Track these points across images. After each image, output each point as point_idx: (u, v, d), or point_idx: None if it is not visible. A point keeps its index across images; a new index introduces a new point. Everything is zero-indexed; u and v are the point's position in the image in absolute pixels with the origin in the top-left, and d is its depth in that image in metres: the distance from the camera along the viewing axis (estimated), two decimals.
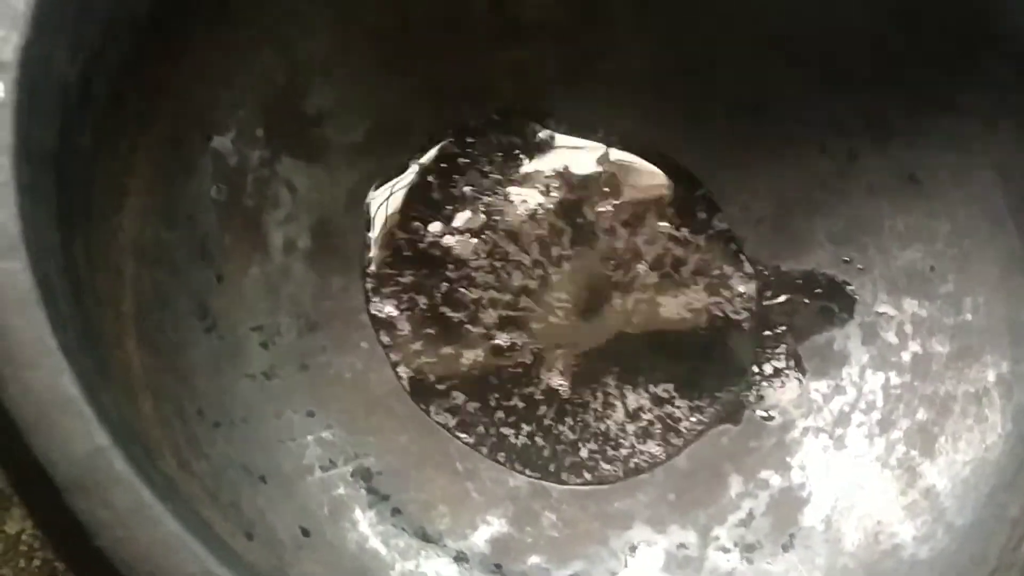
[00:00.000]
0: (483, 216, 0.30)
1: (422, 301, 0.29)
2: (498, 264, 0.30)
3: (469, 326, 0.29)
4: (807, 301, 0.30)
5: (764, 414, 0.29)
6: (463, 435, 0.28)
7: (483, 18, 0.29)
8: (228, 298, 0.27)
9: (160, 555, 0.16)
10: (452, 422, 0.28)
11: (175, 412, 0.23)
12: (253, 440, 0.25)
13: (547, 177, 0.31)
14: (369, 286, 0.29)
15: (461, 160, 0.31)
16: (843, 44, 0.29)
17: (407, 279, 0.29)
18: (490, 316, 0.29)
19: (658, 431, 0.29)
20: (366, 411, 0.27)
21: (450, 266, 0.30)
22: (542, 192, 0.31)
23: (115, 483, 0.16)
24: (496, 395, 0.29)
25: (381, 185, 0.30)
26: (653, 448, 0.29)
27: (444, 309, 0.29)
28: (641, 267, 0.31)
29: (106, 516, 0.16)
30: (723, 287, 0.30)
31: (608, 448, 0.29)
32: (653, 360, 0.30)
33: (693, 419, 0.29)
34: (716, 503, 0.28)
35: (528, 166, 0.31)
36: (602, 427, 0.29)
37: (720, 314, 0.30)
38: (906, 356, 0.29)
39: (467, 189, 0.31)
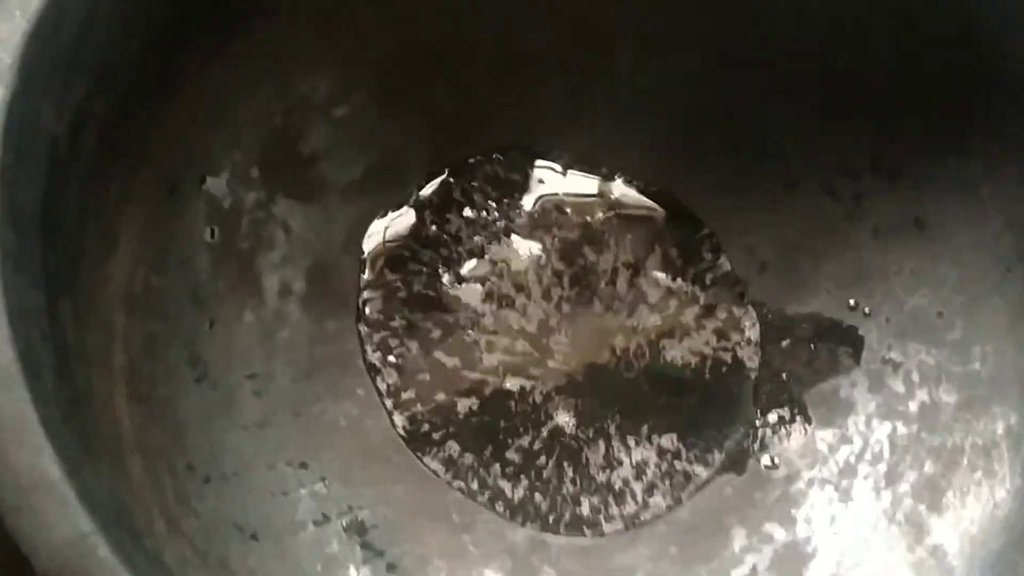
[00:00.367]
0: (481, 257, 0.30)
1: (416, 346, 0.29)
2: (496, 307, 0.30)
3: (465, 372, 0.29)
4: (812, 346, 0.30)
5: (769, 464, 0.29)
6: (459, 485, 0.28)
7: (483, 56, 0.29)
8: (221, 345, 0.26)
9: None
10: (448, 472, 0.28)
11: (165, 469, 0.23)
12: (244, 495, 0.24)
13: (546, 215, 0.31)
14: (364, 330, 0.29)
15: (459, 198, 0.30)
16: (849, 84, 0.28)
17: (402, 323, 0.29)
18: (487, 361, 0.29)
19: (660, 481, 0.28)
20: (361, 461, 0.27)
21: (446, 310, 0.29)
22: (541, 231, 0.30)
23: (98, 570, 0.15)
24: (493, 444, 0.28)
25: (378, 225, 0.30)
26: (655, 499, 0.28)
27: (439, 354, 0.29)
28: (643, 309, 0.30)
29: None
30: (726, 331, 0.30)
31: (609, 499, 0.28)
32: (655, 407, 0.29)
33: (696, 469, 0.28)
34: (719, 557, 0.27)
35: (527, 204, 0.31)
36: (602, 477, 0.28)
37: (724, 359, 0.30)
38: (913, 405, 0.28)
39: (464, 228, 0.30)
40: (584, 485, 0.28)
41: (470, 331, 0.29)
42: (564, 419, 0.29)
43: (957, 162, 0.28)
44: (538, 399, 0.29)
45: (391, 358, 0.29)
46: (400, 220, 0.30)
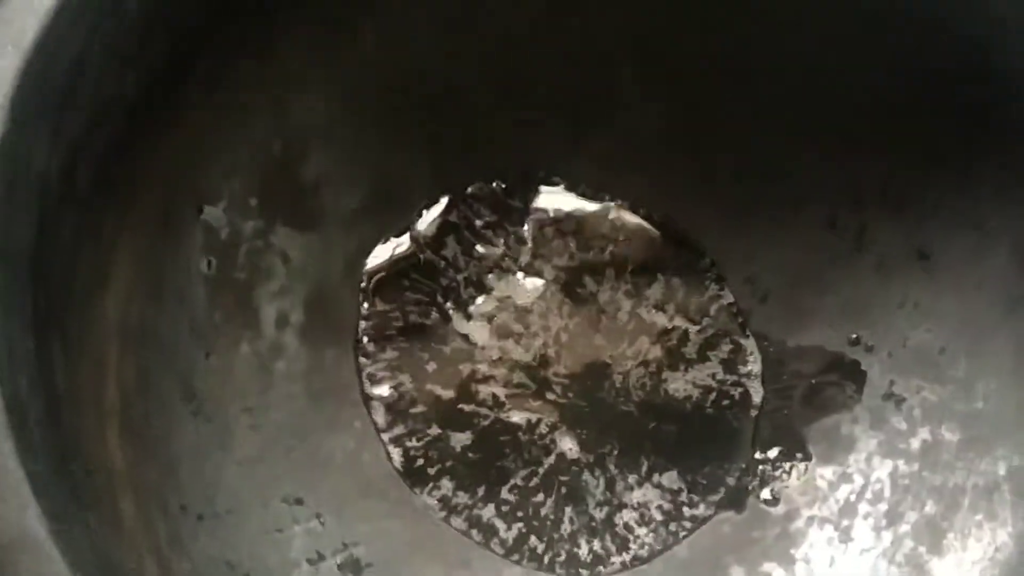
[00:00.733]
0: (480, 287, 0.30)
1: (413, 378, 0.28)
2: (494, 339, 0.29)
3: (462, 404, 0.28)
4: (814, 381, 0.29)
5: (768, 501, 0.28)
6: (455, 522, 0.27)
7: (485, 85, 0.28)
8: (216, 378, 0.26)
9: None
10: (444, 508, 0.27)
11: (158, 508, 0.22)
12: (238, 533, 0.24)
13: (547, 244, 0.30)
14: (361, 361, 0.28)
15: (459, 227, 0.30)
16: (856, 116, 0.28)
17: (399, 354, 0.28)
18: (483, 394, 0.29)
19: (658, 518, 0.28)
20: (357, 495, 0.26)
21: (443, 341, 0.29)
22: (541, 260, 0.30)
23: None
24: (489, 479, 0.28)
25: (377, 254, 0.29)
26: (652, 537, 0.28)
27: (436, 387, 0.28)
28: (643, 341, 0.30)
29: None
30: (727, 363, 0.29)
31: (606, 537, 0.28)
32: (654, 441, 0.29)
33: (695, 506, 0.28)
34: None
35: (528, 232, 0.30)
36: (600, 514, 0.28)
37: (724, 392, 0.29)
38: (915, 443, 0.28)
39: (464, 257, 0.30)
40: (581, 522, 0.28)
41: (467, 363, 0.29)
42: (562, 453, 0.28)
43: (963, 195, 0.27)
44: (536, 433, 0.28)
45: (388, 390, 0.28)
46: (399, 249, 0.30)
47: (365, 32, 0.27)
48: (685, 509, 0.28)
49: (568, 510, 0.28)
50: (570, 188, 0.30)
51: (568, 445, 0.29)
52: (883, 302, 0.29)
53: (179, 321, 0.25)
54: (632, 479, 0.29)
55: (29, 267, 0.19)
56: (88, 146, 0.21)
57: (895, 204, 0.29)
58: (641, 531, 0.28)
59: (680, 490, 0.28)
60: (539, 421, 0.29)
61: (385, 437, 0.28)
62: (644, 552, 0.28)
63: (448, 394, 0.28)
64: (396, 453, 0.28)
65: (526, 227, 0.30)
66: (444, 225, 0.30)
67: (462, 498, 0.28)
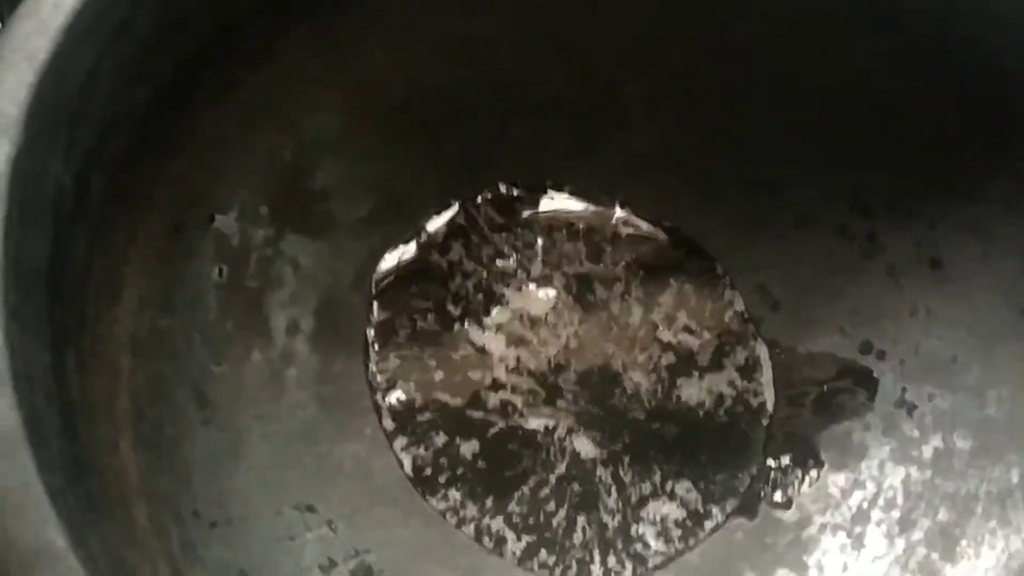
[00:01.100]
0: (489, 294, 0.30)
1: (423, 385, 0.28)
2: (504, 345, 0.29)
3: (472, 411, 0.28)
4: (826, 388, 0.29)
5: (780, 508, 0.28)
6: (466, 529, 0.27)
7: (493, 96, 0.28)
8: (228, 386, 0.26)
9: None
10: (455, 515, 0.27)
11: (171, 516, 0.22)
12: (251, 540, 0.24)
13: (556, 252, 0.30)
14: (371, 368, 0.29)
15: (467, 234, 0.30)
16: (865, 123, 0.28)
17: (409, 361, 0.28)
18: (493, 401, 0.29)
19: (670, 526, 0.28)
20: (368, 502, 0.27)
21: (453, 348, 0.29)
22: (550, 268, 0.30)
23: None
24: (501, 486, 0.28)
25: (386, 261, 0.29)
26: (664, 544, 0.28)
27: (445, 394, 0.28)
28: (655, 348, 0.30)
29: None
30: (738, 370, 0.29)
31: (619, 544, 0.28)
32: (665, 448, 0.29)
33: (707, 513, 0.28)
34: None
35: (536, 240, 0.30)
36: (612, 521, 0.28)
37: (736, 399, 0.29)
38: (927, 451, 0.28)
39: (473, 264, 0.30)
40: (593, 530, 0.28)
41: (478, 370, 0.29)
42: (574, 461, 0.28)
43: (974, 201, 0.27)
44: (548, 441, 0.29)
45: (398, 398, 0.29)
46: (408, 256, 0.30)
47: (373, 45, 0.27)
48: (697, 516, 0.28)
49: (580, 518, 0.28)
50: (578, 198, 0.30)
51: (580, 453, 0.29)
52: (894, 309, 0.29)
53: (191, 330, 0.25)
54: (644, 486, 0.29)
55: (45, 281, 0.19)
56: (100, 159, 0.21)
57: (905, 212, 0.29)
58: (653, 539, 0.28)
59: (692, 497, 0.28)
60: (550, 429, 0.29)
61: (395, 444, 0.28)
62: (657, 560, 0.28)
63: (458, 401, 0.28)
64: (407, 460, 0.28)
65: (533, 235, 0.30)
66: (452, 232, 0.30)
67: (473, 505, 0.28)
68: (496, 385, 0.29)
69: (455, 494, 0.28)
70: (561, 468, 0.28)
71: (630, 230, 0.30)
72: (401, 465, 0.28)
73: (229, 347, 0.26)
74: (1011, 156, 0.26)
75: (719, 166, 0.29)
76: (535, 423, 0.29)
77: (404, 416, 0.28)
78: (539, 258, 0.30)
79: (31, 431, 0.16)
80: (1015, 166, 0.27)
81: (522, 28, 0.28)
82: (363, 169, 0.28)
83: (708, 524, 0.28)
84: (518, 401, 0.29)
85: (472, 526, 0.28)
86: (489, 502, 0.28)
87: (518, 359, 0.29)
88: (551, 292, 0.30)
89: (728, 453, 0.29)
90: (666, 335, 0.30)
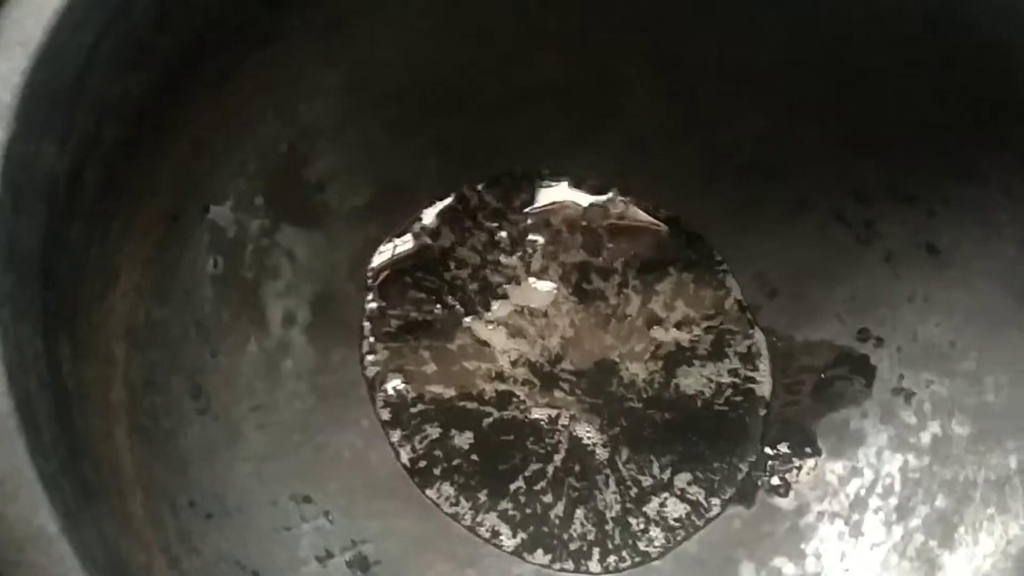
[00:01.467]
0: (486, 284, 0.29)
1: (420, 375, 0.28)
2: (501, 335, 0.29)
3: (469, 403, 0.28)
4: (823, 375, 0.29)
5: (778, 496, 0.28)
6: (464, 519, 0.27)
7: (491, 85, 0.28)
8: (224, 376, 0.26)
9: None
10: (452, 505, 0.27)
11: (167, 506, 0.22)
12: (247, 531, 0.24)
13: (554, 241, 0.30)
14: (368, 359, 0.29)
15: (464, 223, 0.30)
16: (861, 109, 0.28)
17: (406, 351, 0.28)
18: (490, 392, 0.28)
19: (668, 515, 0.28)
20: (365, 493, 0.26)
21: (450, 338, 0.29)
22: (548, 258, 0.30)
23: None
24: (498, 477, 0.28)
25: (383, 252, 0.29)
26: (663, 534, 0.28)
27: (441, 385, 0.28)
28: (653, 337, 0.30)
29: None
30: (736, 359, 0.29)
31: (616, 533, 0.28)
32: (663, 438, 0.29)
33: (705, 502, 0.28)
34: None
35: (533, 229, 0.30)
36: (610, 512, 0.28)
37: (734, 387, 0.29)
38: (925, 438, 0.28)
39: (469, 254, 0.30)
40: (592, 520, 0.28)
41: (474, 361, 0.29)
42: (572, 451, 0.28)
43: (972, 187, 0.27)
44: (545, 431, 0.28)
45: (394, 388, 0.28)
46: (404, 247, 0.30)
47: (369, 33, 0.27)
48: (695, 506, 0.28)
49: (578, 507, 0.28)
50: (575, 184, 0.31)
51: (579, 444, 0.28)
52: (892, 296, 0.29)
53: (186, 320, 0.25)
54: (642, 476, 0.28)
55: (38, 269, 0.19)
56: (96, 147, 0.21)
57: (903, 198, 0.28)
58: (651, 528, 0.28)
59: (690, 486, 0.28)
60: (548, 419, 0.29)
61: (392, 435, 0.28)
62: (655, 549, 0.28)
63: (455, 392, 0.28)
64: (403, 451, 0.28)
65: (530, 224, 0.30)
66: (449, 222, 0.30)
67: (470, 495, 0.28)
68: (493, 376, 0.29)
69: (452, 485, 0.28)
70: (559, 458, 0.28)
71: (628, 221, 0.31)
72: (398, 456, 0.28)
73: (225, 338, 0.26)
74: (1009, 140, 0.26)
75: (716, 153, 0.29)
76: (533, 414, 0.29)
77: (400, 407, 0.28)
78: (537, 249, 0.30)
79: (23, 417, 0.16)
80: (1013, 150, 0.26)
81: (519, 11, 0.28)
82: (360, 158, 0.28)
83: (706, 513, 0.28)
84: (515, 392, 0.29)
85: (469, 517, 0.27)
86: (486, 493, 0.28)
87: (516, 350, 0.29)
88: (549, 284, 0.30)
89: (726, 442, 0.29)
90: (664, 324, 0.30)
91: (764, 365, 0.30)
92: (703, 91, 0.29)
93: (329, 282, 0.28)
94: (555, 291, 0.30)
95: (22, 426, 0.16)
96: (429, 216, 0.30)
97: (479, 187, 0.30)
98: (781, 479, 0.29)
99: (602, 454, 0.28)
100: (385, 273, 0.29)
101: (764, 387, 0.29)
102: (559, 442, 0.29)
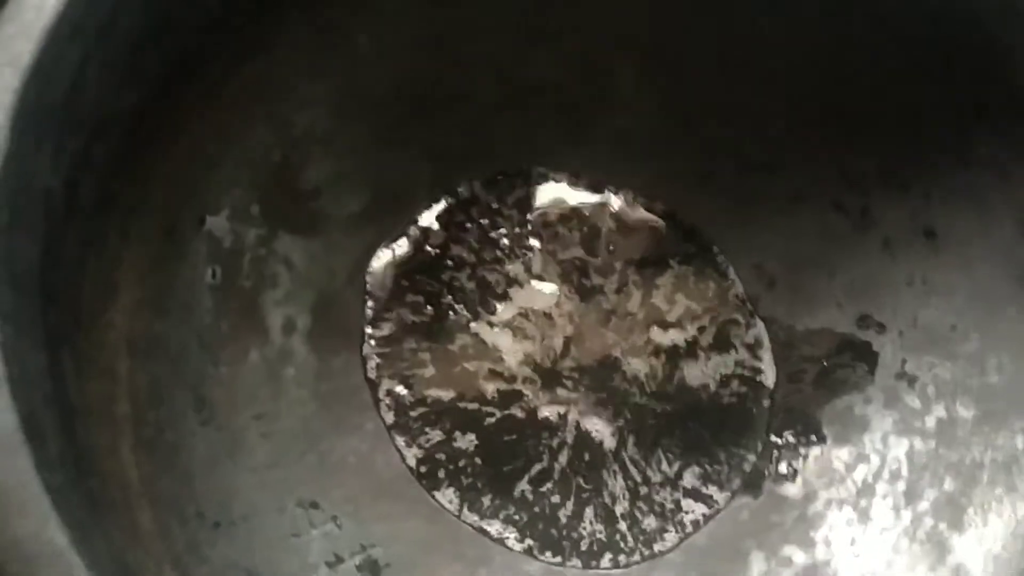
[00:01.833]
0: (484, 284, 0.29)
1: (422, 377, 0.28)
2: (502, 335, 0.29)
3: (473, 404, 0.28)
4: (825, 363, 0.29)
5: (785, 485, 0.28)
6: (472, 519, 0.27)
7: (482, 85, 0.28)
8: (226, 387, 0.26)
9: None
10: (460, 506, 0.27)
11: (175, 517, 0.22)
12: (255, 539, 0.24)
13: (551, 238, 0.30)
14: (369, 364, 0.28)
15: (460, 225, 0.30)
16: (855, 97, 0.28)
17: (406, 354, 0.28)
18: (492, 391, 0.28)
19: (676, 508, 0.28)
20: (372, 497, 0.26)
21: (450, 340, 0.29)
22: (545, 255, 0.30)
23: None
24: (505, 476, 0.28)
25: (380, 256, 0.29)
26: (671, 526, 0.28)
27: (443, 386, 0.28)
28: (654, 331, 0.30)
29: None
30: (738, 350, 0.29)
31: (625, 528, 0.28)
32: (668, 431, 0.29)
33: (712, 493, 0.28)
34: None
35: (530, 227, 0.30)
36: (618, 508, 0.28)
37: (736, 379, 0.29)
38: (930, 421, 0.28)
39: (466, 255, 0.30)
40: (600, 515, 0.28)
41: (476, 361, 0.29)
42: (578, 448, 0.28)
43: (967, 170, 0.27)
44: (549, 429, 0.28)
45: (397, 391, 0.28)
46: (401, 250, 0.30)
47: (359, 38, 0.27)
48: (703, 497, 0.28)
49: (586, 504, 0.28)
50: (571, 183, 0.30)
51: (585, 442, 0.28)
52: (891, 281, 0.29)
53: (187, 332, 0.25)
54: (649, 470, 0.28)
55: (38, 284, 0.19)
56: (89, 162, 0.21)
57: (898, 184, 0.28)
58: (659, 521, 0.28)
59: (697, 478, 0.28)
60: (556, 416, 0.29)
61: (397, 438, 0.28)
62: (664, 542, 0.28)
63: (457, 393, 0.28)
64: (409, 454, 0.28)
65: (527, 223, 0.31)
66: (445, 225, 0.30)
67: (477, 496, 0.28)
68: (496, 376, 0.29)
69: (459, 485, 0.28)
70: (566, 456, 0.28)
71: (625, 217, 0.31)
72: (404, 459, 0.28)
73: (226, 348, 0.26)
74: (1003, 124, 0.26)
75: (712, 148, 0.29)
76: (536, 413, 0.28)
77: (404, 410, 0.28)
78: (536, 249, 0.30)
79: (29, 432, 0.16)
80: (1007, 134, 0.26)
81: (506, 10, 0.28)
82: (354, 164, 0.28)
83: (714, 505, 0.28)
84: (519, 392, 0.29)
85: (477, 516, 0.28)
86: (493, 493, 0.28)
87: (517, 350, 0.29)
88: (549, 284, 0.30)
89: (731, 433, 0.29)
90: (665, 319, 0.30)
91: (766, 355, 0.30)
92: (697, 87, 0.29)
93: (328, 288, 0.28)
94: (557, 291, 0.30)
95: (28, 441, 0.16)
96: (426, 219, 0.30)
97: (475, 188, 0.30)
98: (788, 468, 0.29)
99: (609, 450, 0.28)
100: (383, 277, 0.29)
101: (767, 377, 0.29)
102: (565, 441, 0.28)
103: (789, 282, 0.30)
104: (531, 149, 0.30)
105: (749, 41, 0.28)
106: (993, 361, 0.27)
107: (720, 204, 0.30)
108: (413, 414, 0.28)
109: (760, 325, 0.30)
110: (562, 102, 0.29)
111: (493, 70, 0.29)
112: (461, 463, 0.28)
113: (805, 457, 0.29)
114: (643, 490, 0.28)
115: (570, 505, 0.28)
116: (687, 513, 0.28)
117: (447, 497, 0.28)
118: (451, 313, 0.29)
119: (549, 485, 0.28)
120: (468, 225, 0.30)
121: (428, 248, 0.30)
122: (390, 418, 0.28)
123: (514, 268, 0.30)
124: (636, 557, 0.27)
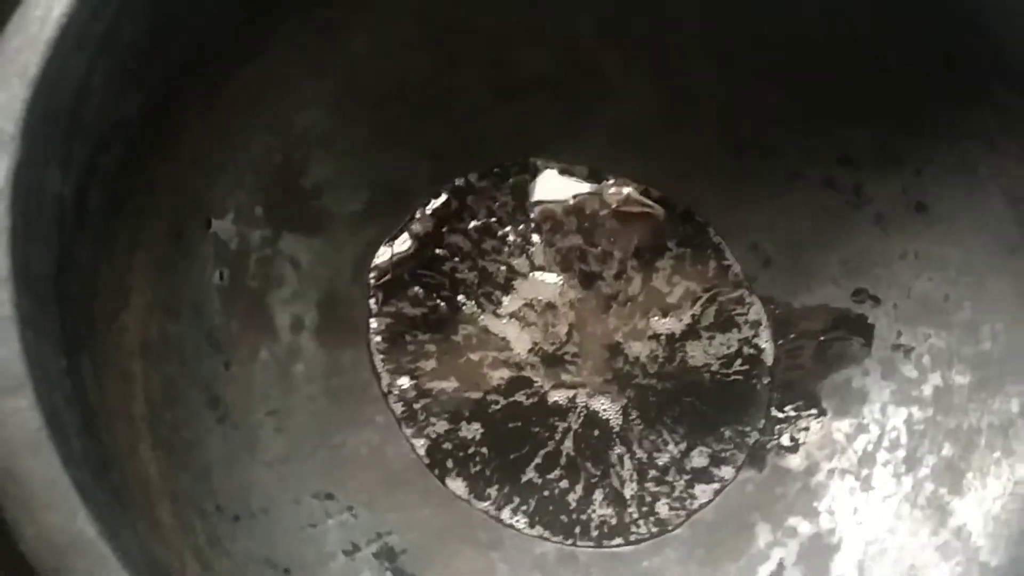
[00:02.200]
0: (486, 275, 0.30)
1: (429, 368, 0.29)
2: (506, 323, 0.30)
3: (479, 393, 0.29)
4: (823, 338, 0.30)
5: (788, 458, 0.29)
6: (483, 504, 0.28)
7: (478, 81, 0.29)
8: (239, 385, 0.26)
9: None
10: (471, 492, 0.28)
11: (195, 512, 0.23)
12: (274, 531, 0.25)
13: (550, 227, 0.31)
14: (377, 357, 0.29)
15: (461, 218, 0.30)
16: (844, 76, 0.28)
17: (413, 347, 0.29)
18: (498, 380, 0.29)
19: (682, 484, 0.29)
20: (386, 487, 0.27)
21: (455, 331, 0.29)
22: (545, 244, 0.31)
23: None
24: (514, 461, 0.28)
25: (384, 252, 0.30)
26: (678, 503, 0.28)
27: (450, 377, 0.29)
28: (655, 314, 0.30)
29: None
30: (737, 329, 0.30)
31: (633, 506, 0.28)
32: (672, 410, 0.29)
33: (717, 469, 0.29)
34: (746, 554, 0.27)
35: (529, 217, 0.31)
36: (626, 488, 0.28)
37: (736, 357, 0.30)
38: (927, 390, 0.28)
39: (468, 247, 0.30)
40: (608, 495, 0.28)
41: (481, 351, 0.29)
42: (585, 431, 0.29)
43: (955, 143, 0.28)
44: (556, 415, 0.29)
45: (405, 384, 0.29)
46: (405, 245, 0.30)
47: (356, 38, 0.28)
48: (708, 473, 0.29)
49: (594, 485, 0.29)
50: (568, 173, 0.31)
51: (591, 425, 0.29)
52: (884, 255, 0.29)
53: (198, 333, 0.26)
54: (653, 449, 0.29)
55: (53, 290, 0.19)
56: (97, 168, 0.22)
57: (890, 159, 0.29)
58: (666, 498, 0.29)
59: (701, 456, 0.29)
60: (561, 401, 0.29)
61: (407, 429, 0.28)
62: (672, 518, 0.28)
63: (464, 383, 0.29)
64: (419, 444, 0.28)
65: (526, 213, 0.31)
66: (446, 219, 0.30)
67: (488, 482, 0.28)
68: (500, 364, 0.30)
69: (470, 472, 0.28)
70: (572, 440, 0.29)
71: (622, 204, 0.31)
72: (414, 449, 0.28)
73: (236, 348, 0.27)
74: (989, 97, 0.27)
75: (705, 132, 0.30)
76: (542, 400, 0.29)
77: (413, 401, 0.29)
78: (536, 240, 0.31)
79: (54, 430, 0.16)
80: (994, 106, 0.27)
81: (499, 5, 0.28)
82: (355, 162, 0.29)
83: (719, 480, 0.29)
84: (525, 379, 0.29)
85: (488, 501, 0.28)
86: (504, 478, 0.28)
87: (522, 339, 0.30)
88: (551, 274, 0.31)
89: (733, 410, 0.29)
90: (666, 301, 0.30)
91: (764, 333, 0.30)
92: (688, 73, 0.29)
93: (334, 286, 0.29)
94: (559, 281, 0.31)
95: (53, 438, 0.16)
96: (427, 214, 0.30)
97: (473, 182, 0.31)
98: (790, 441, 0.29)
99: (615, 431, 0.29)
100: (388, 273, 0.30)
101: (767, 354, 0.30)
102: (571, 424, 0.29)
103: (785, 260, 0.30)
104: (527, 142, 0.30)
105: (740, 29, 0.29)
106: (986, 328, 0.28)
107: (714, 187, 0.30)
108: (421, 406, 0.29)
109: (758, 303, 0.30)
110: (555, 93, 0.30)
111: (486, 64, 0.29)
112: (471, 451, 0.28)
113: (806, 430, 0.29)
114: (649, 469, 0.29)
115: (579, 488, 0.28)
116: (693, 489, 0.29)
117: (457, 484, 0.28)
118: (455, 305, 0.30)
119: (558, 470, 0.29)
120: (468, 219, 0.31)
121: (430, 243, 0.30)
122: (399, 409, 0.29)
123: (516, 260, 0.31)
124: (645, 532, 0.28)
